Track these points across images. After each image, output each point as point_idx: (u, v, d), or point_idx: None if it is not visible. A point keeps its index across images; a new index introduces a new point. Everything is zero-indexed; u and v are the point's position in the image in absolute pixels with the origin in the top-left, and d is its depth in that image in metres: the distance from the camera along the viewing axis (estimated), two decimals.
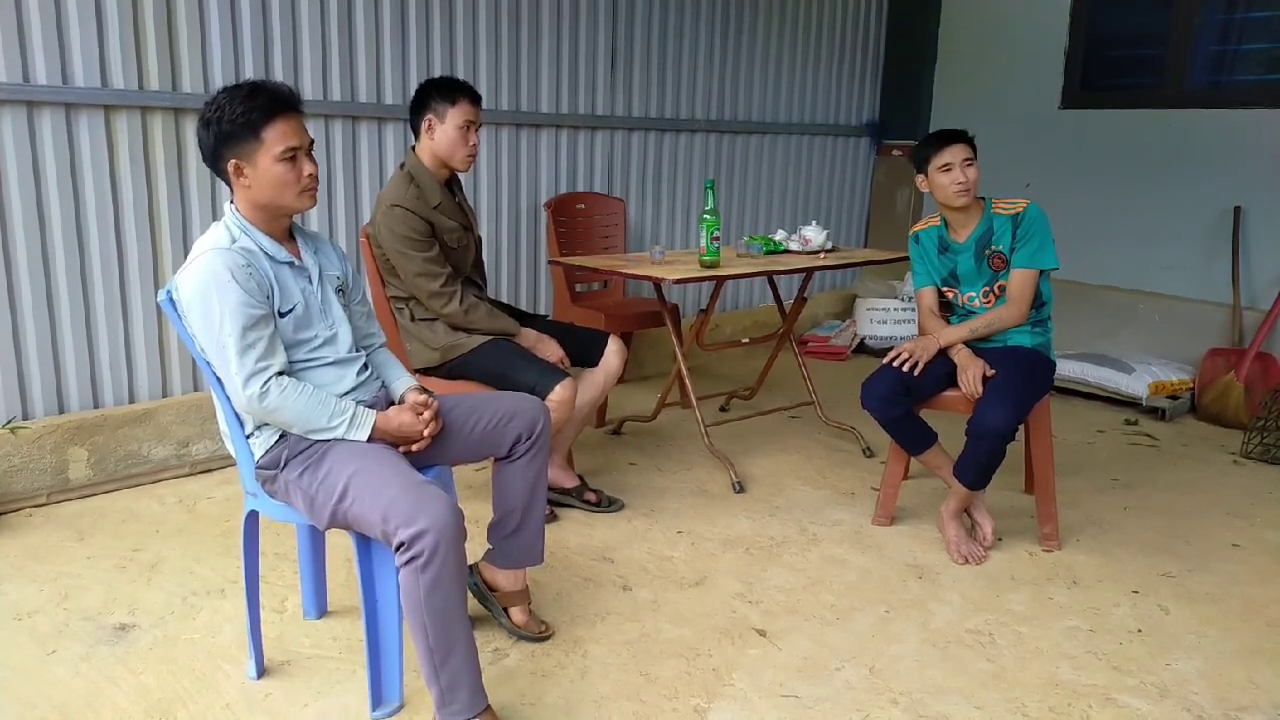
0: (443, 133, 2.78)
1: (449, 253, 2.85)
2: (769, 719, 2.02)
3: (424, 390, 2.14)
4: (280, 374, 1.87)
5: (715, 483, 3.35)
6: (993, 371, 2.75)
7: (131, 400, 3.21)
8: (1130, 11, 4.89)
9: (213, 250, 1.86)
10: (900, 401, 2.78)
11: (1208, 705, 2.10)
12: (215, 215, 3.24)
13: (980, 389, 2.70)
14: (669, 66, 4.60)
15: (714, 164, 4.93)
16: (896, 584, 2.64)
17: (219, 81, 3.18)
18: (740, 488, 3.28)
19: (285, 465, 1.92)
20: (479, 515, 2.81)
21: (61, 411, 3.08)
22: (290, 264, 1.98)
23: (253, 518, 2.07)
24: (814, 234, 3.75)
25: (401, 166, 2.86)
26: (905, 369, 2.78)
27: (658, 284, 3.20)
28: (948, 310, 3.01)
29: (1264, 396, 3.95)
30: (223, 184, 1.95)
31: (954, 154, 2.79)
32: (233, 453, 2.01)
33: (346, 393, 2.00)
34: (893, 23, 5.68)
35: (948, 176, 2.79)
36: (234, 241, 1.90)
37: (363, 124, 3.59)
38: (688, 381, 3.43)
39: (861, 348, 5.39)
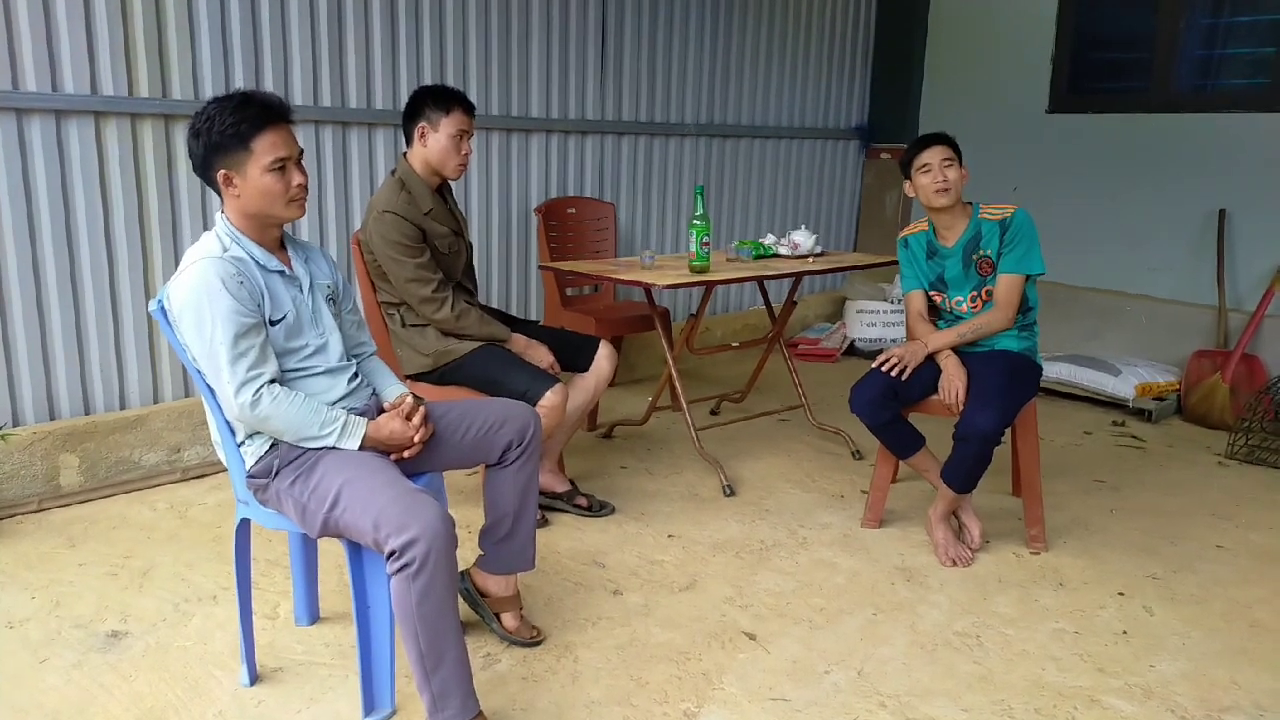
0: (435, 141, 2.79)
1: (440, 259, 2.86)
2: None
3: (414, 397, 2.15)
4: (272, 382, 1.88)
5: (705, 486, 3.37)
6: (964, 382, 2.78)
7: (122, 406, 3.21)
8: (1116, 16, 4.93)
9: (204, 259, 1.87)
10: (888, 406, 2.80)
11: (1191, 706, 2.13)
12: (206, 221, 3.25)
13: (959, 405, 2.73)
14: (658, 71, 4.62)
15: (703, 168, 4.95)
16: (885, 587, 2.66)
17: (209, 88, 3.18)
18: (730, 491, 3.30)
19: (277, 474, 1.93)
20: (470, 520, 2.82)
21: (52, 418, 3.08)
22: (281, 273, 1.99)
23: (244, 525, 2.08)
24: (803, 238, 3.77)
25: (393, 172, 2.87)
26: (893, 374, 2.81)
27: (648, 289, 3.21)
28: (936, 314, 3.03)
29: (1249, 398, 3.99)
30: (213, 192, 1.96)
31: (932, 155, 2.83)
32: (224, 461, 2.02)
33: (337, 401, 2.01)
34: (881, 27, 5.72)
35: (927, 177, 2.83)
36: (225, 250, 1.91)
37: (353, 129, 3.59)
38: (678, 385, 3.44)
39: (851, 350, 5.41)
